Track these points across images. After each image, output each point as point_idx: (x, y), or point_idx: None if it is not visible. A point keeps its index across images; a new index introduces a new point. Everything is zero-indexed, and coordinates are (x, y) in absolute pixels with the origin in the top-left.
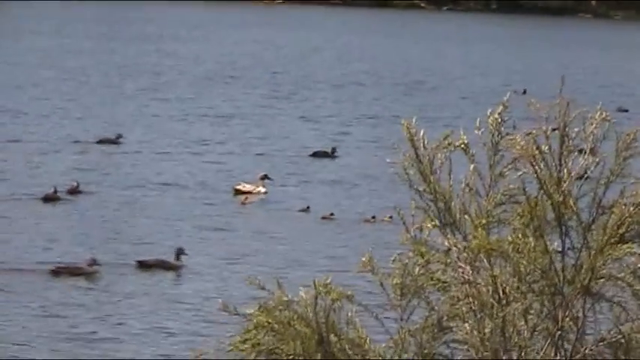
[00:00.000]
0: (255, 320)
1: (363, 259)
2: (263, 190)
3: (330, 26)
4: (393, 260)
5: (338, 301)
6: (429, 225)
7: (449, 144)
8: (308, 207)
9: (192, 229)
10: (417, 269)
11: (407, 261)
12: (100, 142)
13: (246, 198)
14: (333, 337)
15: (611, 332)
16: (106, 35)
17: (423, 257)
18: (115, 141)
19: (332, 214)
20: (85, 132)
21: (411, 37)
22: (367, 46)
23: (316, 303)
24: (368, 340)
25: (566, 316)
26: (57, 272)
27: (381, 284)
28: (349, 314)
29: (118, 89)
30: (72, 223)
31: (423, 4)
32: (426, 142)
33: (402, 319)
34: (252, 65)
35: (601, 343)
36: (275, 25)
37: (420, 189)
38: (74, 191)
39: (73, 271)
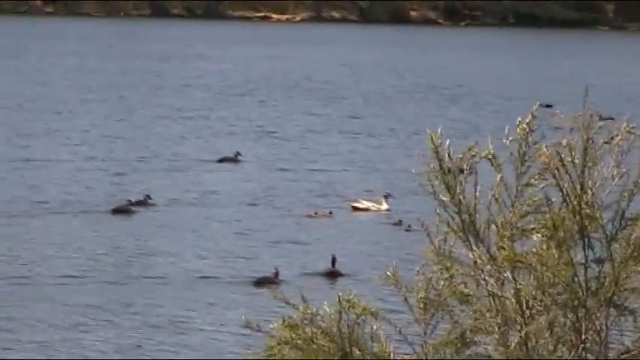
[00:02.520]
0: (278, 336)
1: (387, 272)
2: (385, 207)
3: (356, 43)
4: (417, 273)
5: (362, 316)
6: (452, 236)
7: (474, 155)
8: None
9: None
10: (441, 283)
11: (430, 275)
12: (221, 160)
13: (315, 213)
14: (357, 352)
15: (635, 344)
16: (146, 54)
17: (447, 270)
18: (234, 159)
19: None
20: (206, 152)
21: (431, 51)
22: (399, 61)
23: (340, 318)
24: (392, 355)
25: (590, 329)
26: (259, 283)
27: (405, 299)
28: (373, 328)
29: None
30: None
31: (440, 21)
32: (451, 153)
33: (425, 333)
34: (316, 80)
35: (625, 355)
36: (309, 42)
37: (445, 200)
38: (143, 202)
39: (269, 282)
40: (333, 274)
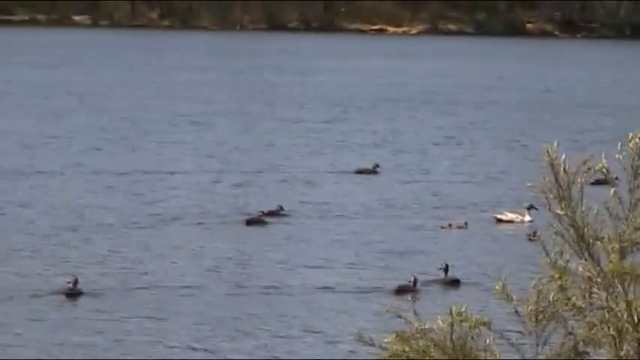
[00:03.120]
0: (392, 349)
1: (496, 286)
2: (528, 218)
3: (473, 55)
4: (534, 286)
5: (475, 328)
6: (566, 249)
7: (589, 168)
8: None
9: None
10: (553, 295)
11: (541, 287)
12: (359, 172)
13: (450, 225)
14: None
15: None
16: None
17: (558, 281)
18: (372, 170)
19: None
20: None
21: (548, 63)
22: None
23: (452, 331)
24: None
25: None
26: (399, 291)
27: (516, 311)
28: (486, 341)
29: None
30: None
31: (556, 32)
32: (566, 167)
33: (537, 345)
34: (441, 92)
35: None
36: (426, 55)
37: (559, 213)
38: (276, 213)
39: (408, 290)
40: (450, 283)
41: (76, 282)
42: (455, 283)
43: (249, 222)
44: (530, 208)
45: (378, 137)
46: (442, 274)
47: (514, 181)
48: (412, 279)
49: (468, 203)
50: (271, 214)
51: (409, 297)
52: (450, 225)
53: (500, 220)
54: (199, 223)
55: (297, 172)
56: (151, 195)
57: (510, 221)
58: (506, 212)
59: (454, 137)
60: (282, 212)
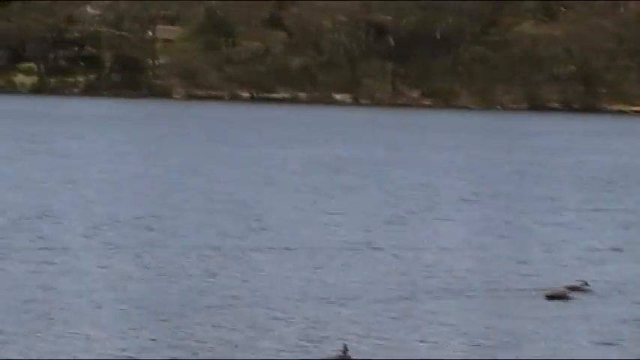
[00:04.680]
0: None
1: None
2: None
3: None
4: None
5: None
6: None
7: None
8: None
9: None
10: None
11: None
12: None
13: None
14: None
15: None
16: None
17: None
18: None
19: None
20: None
21: None
22: None
23: None
24: None
25: None
26: None
27: None
28: None
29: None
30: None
31: None
32: None
33: None
34: None
35: None
36: None
37: None
38: (579, 289)
39: None
40: None
41: (346, 349)
42: None
43: (551, 297)
44: None
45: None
46: None
47: None
48: None
49: None
50: (574, 289)
51: None
52: None
53: None
54: (494, 297)
55: (572, 248)
56: (432, 268)
57: None
58: None
59: None
60: (585, 287)
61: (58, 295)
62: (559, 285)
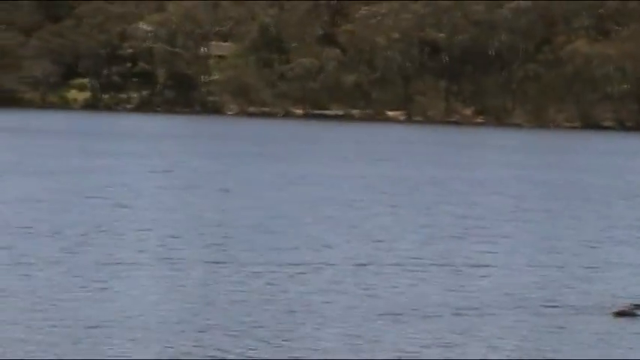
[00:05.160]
0: None
1: None
2: None
3: None
4: None
5: None
6: None
7: None
8: None
9: None
10: None
11: None
12: None
13: None
14: None
15: None
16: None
17: None
18: None
19: None
20: None
21: None
22: None
23: None
24: None
25: None
26: None
27: None
28: None
29: None
30: None
31: None
32: None
33: None
34: None
35: None
36: None
37: None
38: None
39: None
40: None
41: None
42: None
43: (619, 314)
44: None
45: None
46: None
47: None
48: None
49: None
50: None
51: None
52: None
53: None
54: (560, 314)
55: (629, 266)
56: (491, 285)
57: None
58: None
59: None
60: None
61: (119, 312)
62: (625, 303)
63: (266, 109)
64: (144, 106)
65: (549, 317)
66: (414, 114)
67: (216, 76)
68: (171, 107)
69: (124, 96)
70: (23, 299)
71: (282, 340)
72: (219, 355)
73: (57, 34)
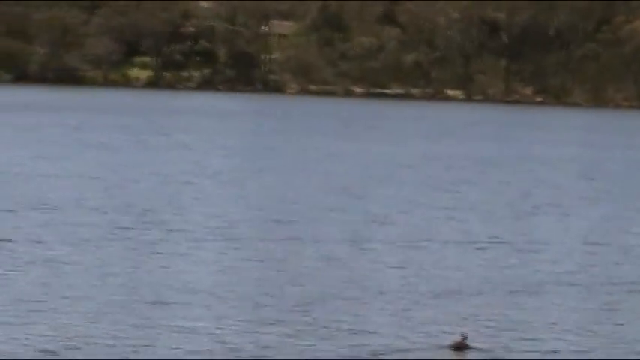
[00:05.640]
0: None
1: None
2: None
3: None
4: None
5: None
6: None
7: None
8: None
9: None
10: None
11: None
12: None
13: None
14: None
15: None
16: None
17: None
18: None
19: None
20: None
21: None
22: None
23: None
24: None
25: None
26: None
27: None
28: None
29: None
30: None
31: None
32: None
33: None
34: None
35: None
36: None
37: None
38: None
39: None
40: None
41: (464, 337)
42: None
43: None
44: None
45: None
46: None
47: None
48: None
49: None
50: None
51: None
52: None
53: None
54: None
55: None
56: (555, 263)
57: None
58: None
59: None
60: None
61: (179, 282)
62: None
63: (327, 88)
64: (205, 85)
65: (607, 295)
66: (474, 93)
67: (276, 55)
68: (232, 86)
69: (185, 74)
70: (92, 274)
71: (341, 314)
72: (275, 330)
73: (119, 12)
